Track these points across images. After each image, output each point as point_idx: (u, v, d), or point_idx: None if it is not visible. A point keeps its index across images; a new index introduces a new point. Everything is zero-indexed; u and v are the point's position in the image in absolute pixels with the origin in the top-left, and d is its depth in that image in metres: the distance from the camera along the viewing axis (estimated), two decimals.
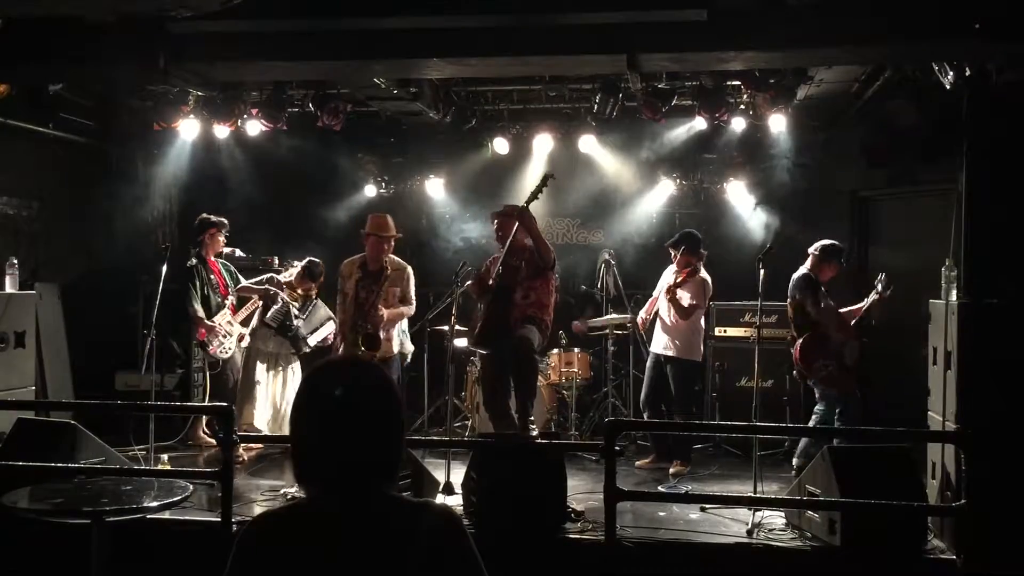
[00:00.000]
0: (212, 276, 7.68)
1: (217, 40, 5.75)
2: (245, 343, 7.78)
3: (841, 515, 5.04)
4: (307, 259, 7.94)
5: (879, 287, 6.82)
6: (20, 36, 5.63)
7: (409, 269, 7.15)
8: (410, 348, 7.53)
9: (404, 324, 7.35)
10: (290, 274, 8.00)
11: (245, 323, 7.80)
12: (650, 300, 7.70)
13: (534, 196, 6.57)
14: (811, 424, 6.72)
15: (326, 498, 1.96)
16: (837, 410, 6.51)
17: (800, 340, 6.64)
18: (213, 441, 7.84)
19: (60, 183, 8.61)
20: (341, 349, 7.13)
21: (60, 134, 8.25)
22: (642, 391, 7.54)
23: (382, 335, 6.88)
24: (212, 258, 7.74)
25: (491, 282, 6.69)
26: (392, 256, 7.06)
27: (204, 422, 8.02)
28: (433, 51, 5.76)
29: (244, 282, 7.86)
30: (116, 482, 4.85)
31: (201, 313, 7.47)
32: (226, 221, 7.82)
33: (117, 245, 9.03)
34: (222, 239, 7.78)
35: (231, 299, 7.75)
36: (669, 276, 7.47)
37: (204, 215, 7.84)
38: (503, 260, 6.66)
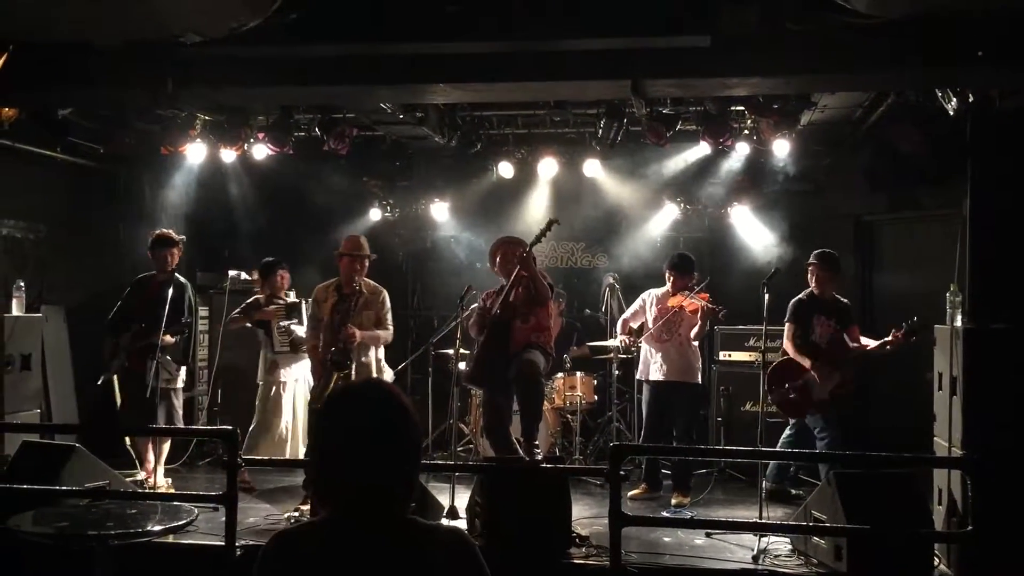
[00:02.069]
0: (137, 298, 6.99)
1: (225, 65, 5.80)
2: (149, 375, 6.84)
3: (847, 541, 5.02)
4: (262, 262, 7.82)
5: (904, 330, 6.51)
6: (29, 61, 5.68)
7: (385, 293, 6.90)
8: (389, 376, 7.13)
9: (381, 352, 6.98)
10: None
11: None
12: (627, 320, 7.55)
13: (537, 240, 6.58)
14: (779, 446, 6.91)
15: (344, 518, 1.98)
16: (817, 432, 6.74)
17: (774, 362, 6.84)
18: (167, 488, 6.97)
19: (67, 206, 8.65)
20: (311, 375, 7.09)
21: (68, 158, 8.29)
22: (647, 427, 7.33)
23: (361, 359, 6.66)
24: (158, 279, 7.03)
25: (490, 314, 6.65)
26: (367, 279, 6.84)
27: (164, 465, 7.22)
28: (439, 76, 5.81)
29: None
30: (120, 505, 4.86)
31: (112, 330, 6.93)
32: (164, 238, 7.11)
33: (123, 268, 9.05)
34: (163, 256, 7.01)
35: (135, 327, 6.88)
36: (653, 299, 7.40)
37: (157, 232, 7.26)
38: (503, 298, 6.58)
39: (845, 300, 7.05)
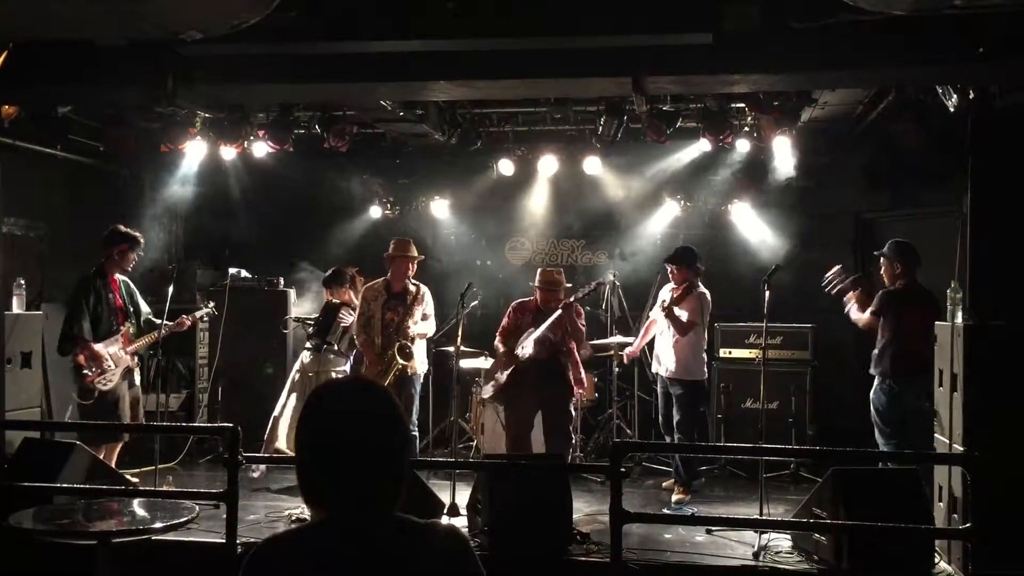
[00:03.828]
0: (111, 295, 6.84)
1: (225, 62, 5.80)
2: (139, 376, 7.05)
3: (848, 538, 5.03)
4: (330, 270, 7.97)
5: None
6: (30, 59, 5.68)
7: (427, 290, 7.49)
8: (427, 367, 7.64)
9: (424, 345, 7.53)
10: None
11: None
12: (644, 328, 7.75)
13: (583, 298, 7.04)
14: None
15: (332, 521, 1.96)
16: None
17: None
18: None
19: (68, 204, 8.65)
20: (365, 369, 7.31)
21: (68, 156, 8.30)
22: (660, 416, 7.51)
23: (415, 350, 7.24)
24: (116, 276, 6.92)
25: (519, 354, 7.04)
26: (411, 278, 7.38)
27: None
28: (439, 73, 5.80)
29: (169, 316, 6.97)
30: (121, 503, 4.86)
31: (88, 334, 6.63)
32: (140, 239, 7.01)
33: None
34: (133, 257, 6.95)
35: (127, 325, 6.90)
36: (665, 295, 7.42)
37: (116, 227, 6.98)
38: (539, 339, 6.95)
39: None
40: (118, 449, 6.86)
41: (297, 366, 7.78)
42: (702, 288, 7.24)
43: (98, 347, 6.67)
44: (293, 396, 7.60)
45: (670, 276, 7.36)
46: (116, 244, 6.84)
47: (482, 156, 9.33)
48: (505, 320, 7.27)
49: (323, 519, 1.97)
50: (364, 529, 1.93)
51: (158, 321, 6.89)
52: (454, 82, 5.94)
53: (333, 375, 7.61)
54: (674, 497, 7.09)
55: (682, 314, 7.05)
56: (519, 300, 7.39)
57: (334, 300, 7.80)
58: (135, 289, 7.12)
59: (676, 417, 7.21)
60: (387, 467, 1.97)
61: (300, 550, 1.93)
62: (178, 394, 8.77)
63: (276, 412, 7.56)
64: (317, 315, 7.88)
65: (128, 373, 6.86)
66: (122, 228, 6.98)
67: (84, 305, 6.69)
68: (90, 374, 6.62)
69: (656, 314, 7.43)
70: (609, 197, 9.65)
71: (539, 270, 7.35)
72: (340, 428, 1.94)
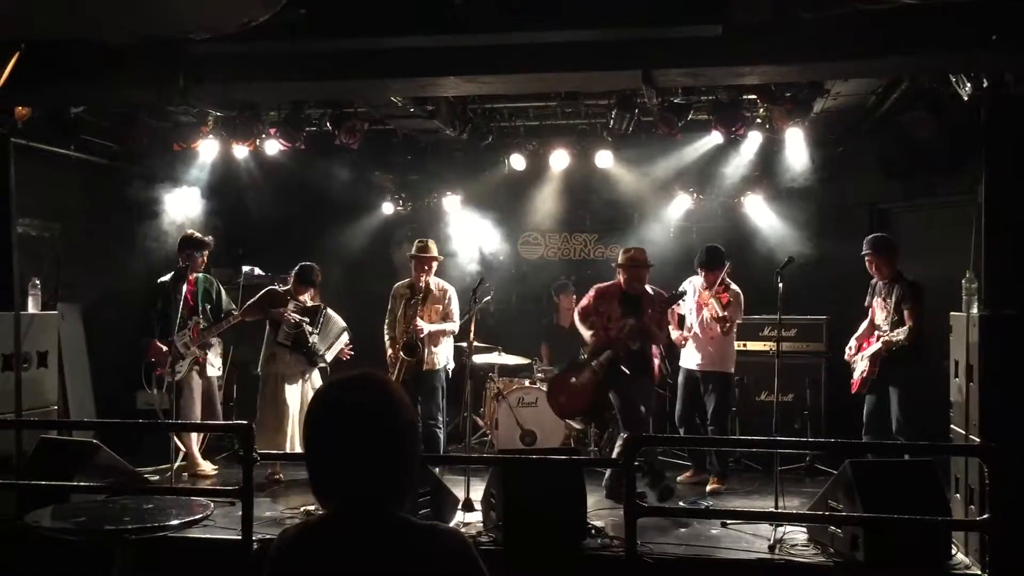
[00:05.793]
0: (179, 296, 7.27)
1: (236, 60, 5.80)
2: (213, 368, 7.65)
3: (864, 530, 5.00)
4: (299, 264, 7.81)
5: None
6: (41, 59, 5.70)
7: (452, 291, 7.70)
8: (451, 365, 7.78)
9: (449, 342, 7.69)
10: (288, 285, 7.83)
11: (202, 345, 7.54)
12: (674, 322, 7.74)
13: (673, 301, 7.15)
14: None
15: (339, 516, 1.97)
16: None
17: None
18: (209, 471, 7.69)
19: (81, 204, 8.68)
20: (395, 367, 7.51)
21: (81, 156, 8.33)
22: (677, 408, 7.61)
23: (430, 349, 7.44)
24: (193, 277, 7.52)
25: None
26: (436, 278, 7.66)
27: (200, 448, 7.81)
28: (449, 69, 5.79)
29: (216, 306, 7.68)
30: (138, 501, 4.89)
31: (155, 333, 7.28)
32: (203, 240, 7.62)
33: (137, 265, 9.10)
34: (199, 258, 7.55)
35: (196, 319, 7.49)
36: (693, 288, 7.54)
37: (184, 234, 7.74)
38: (641, 331, 6.97)
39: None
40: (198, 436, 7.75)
41: (273, 367, 7.59)
42: (735, 286, 7.43)
43: (163, 344, 7.22)
44: (277, 398, 7.51)
45: (703, 278, 7.44)
46: (183, 250, 7.52)
47: (493, 151, 9.33)
48: (585, 301, 7.28)
49: (329, 514, 1.98)
50: (367, 526, 1.93)
51: (236, 312, 7.65)
52: (464, 77, 5.93)
53: (281, 372, 7.54)
54: (708, 487, 7.18)
55: (734, 316, 7.28)
56: (601, 285, 7.30)
57: (333, 312, 7.74)
58: (219, 287, 7.78)
59: (710, 407, 7.37)
60: (390, 465, 1.96)
61: (308, 542, 1.96)
62: None
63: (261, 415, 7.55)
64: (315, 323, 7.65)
65: (195, 364, 7.45)
66: (187, 234, 7.70)
67: (153, 307, 7.39)
68: (160, 368, 7.21)
69: (689, 311, 7.58)
70: (621, 191, 9.63)
71: (623, 251, 7.29)
72: (344, 425, 1.93)
